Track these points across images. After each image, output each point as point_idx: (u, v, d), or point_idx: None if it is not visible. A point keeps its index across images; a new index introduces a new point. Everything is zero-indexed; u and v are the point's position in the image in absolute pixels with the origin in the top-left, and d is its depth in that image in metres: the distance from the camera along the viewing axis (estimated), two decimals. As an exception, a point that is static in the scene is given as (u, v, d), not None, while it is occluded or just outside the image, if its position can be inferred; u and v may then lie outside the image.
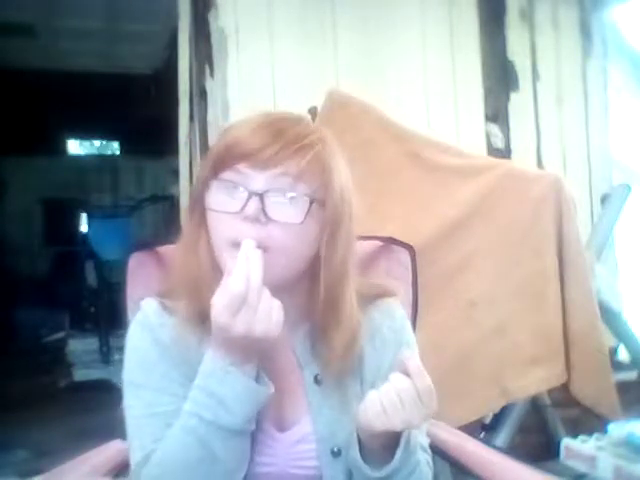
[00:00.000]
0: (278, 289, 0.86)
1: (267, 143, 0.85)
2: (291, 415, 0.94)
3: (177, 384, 0.89)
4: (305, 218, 0.86)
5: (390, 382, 0.82)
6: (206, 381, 0.84)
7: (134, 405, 0.91)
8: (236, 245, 0.84)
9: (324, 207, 0.88)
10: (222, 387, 0.83)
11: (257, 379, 0.85)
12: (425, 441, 0.98)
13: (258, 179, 0.85)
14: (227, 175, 0.87)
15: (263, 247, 0.84)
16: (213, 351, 0.84)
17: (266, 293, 0.81)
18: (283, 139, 0.85)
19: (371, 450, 0.87)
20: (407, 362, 0.82)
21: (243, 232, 0.84)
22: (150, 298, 0.97)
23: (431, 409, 0.82)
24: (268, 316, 0.80)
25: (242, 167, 0.86)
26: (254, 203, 0.84)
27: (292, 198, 0.86)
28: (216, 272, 0.88)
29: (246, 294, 0.79)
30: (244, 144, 0.86)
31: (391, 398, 0.81)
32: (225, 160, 0.87)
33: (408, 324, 1.04)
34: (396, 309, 1.02)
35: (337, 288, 0.91)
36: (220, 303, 0.80)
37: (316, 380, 0.94)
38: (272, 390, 0.86)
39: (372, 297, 1.00)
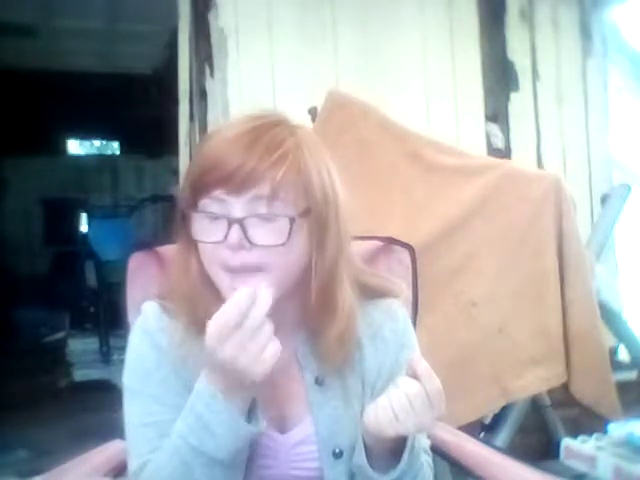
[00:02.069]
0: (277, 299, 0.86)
1: (239, 163, 0.82)
2: (292, 417, 0.94)
3: (173, 392, 0.89)
4: (288, 238, 0.84)
5: (399, 387, 0.82)
6: (195, 402, 0.83)
7: (131, 412, 0.92)
8: (227, 268, 0.84)
9: (308, 213, 0.86)
10: (208, 412, 0.81)
11: (250, 414, 0.83)
12: (426, 443, 0.99)
13: (236, 205, 0.84)
14: (205, 204, 0.86)
15: (255, 269, 0.84)
16: (206, 372, 0.82)
17: (267, 329, 0.79)
18: (255, 154, 0.83)
19: (377, 454, 0.87)
20: (416, 365, 0.82)
21: (230, 259, 0.84)
22: (151, 301, 0.97)
23: (441, 410, 0.82)
24: (258, 353, 0.78)
25: (219, 193, 0.84)
26: (235, 231, 0.83)
27: (272, 220, 0.84)
28: (209, 288, 0.88)
29: (242, 323, 0.77)
30: (217, 168, 0.84)
31: (402, 403, 0.81)
32: (202, 187, 0.85)
33: (410, 326, 1.03)
34: (398, 310, 1.02)
35: (329, 288, 0.90)
36: (213, 325, 0.78)
37: (317, 381, 0.94)
38: (261, 430, 0.84)
39: (374, 293, 1.00)
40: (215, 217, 0.85)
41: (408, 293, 1.30)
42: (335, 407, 0.93)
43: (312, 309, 0.90)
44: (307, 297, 0.90)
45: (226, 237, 0.83)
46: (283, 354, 0.93)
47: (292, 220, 0.84)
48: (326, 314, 0.90)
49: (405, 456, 0.86)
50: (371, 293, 0.99)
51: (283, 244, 0.84)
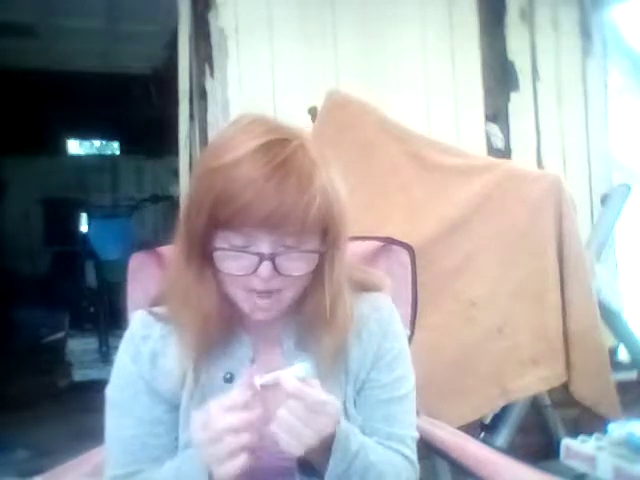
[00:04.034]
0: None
1: (273, 207, 0.81)
2: None
3: (142, 407, 0.93)
4: (314, 267, 0.89)
5: (282, 408, 0.80)
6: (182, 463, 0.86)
7: (108, 423, 0.95)
8: (251, 291, 0.87)
9: (327, 236, 0.89)
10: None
11: None
12: (407, 433, 0.98)
13: (264, 240, 0.84)
14: (228, 236, 0.85)
15: (274, 291, 0.88)
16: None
17: (241, 438, 0.78)
18: (288, 196, 0.82)
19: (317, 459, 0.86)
20: (285, 385, 0.80)
21: (256, 285, 0.86)
22: (140, 310, 1.00)
23: (336, 410, 0.82)
24: (223, 456, 0.78)
25: (247, 230, 0.84)
26: (266, 266, 0.84)
27: (302, 254, 0.87)
28: (224, 302, 0.91)
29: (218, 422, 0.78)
30: (248, 210, 0.82)
31: (289, 422, 0.79)
32: (227, 222, 0.84)
33: (396, 316, 1.04)
34: (383, 302, 1.03)
35: (332, 301, 0.92)
36: (201, 413, 0.80)
37: None
38: None
39: (361, 287, 1.01)
40: (242, 252, 0.85)
41: (407, 293, 1.30)
42: None
43: (309, 319, 0.93)
44: (304, 303, 0.93)
45: (256, 270, 0.85)
46: (268, 342, 0.96)
47: (320, 254, 0.88)
48: (325, 320, 0.92)
49: (336, 454, 0.84)
50: (357, 287, 1.00)
51: (309, 272, 0.88)
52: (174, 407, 0.94)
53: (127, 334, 0.97)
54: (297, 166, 0.84)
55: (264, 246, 0.85)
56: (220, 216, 0.84)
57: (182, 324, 0.92)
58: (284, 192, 0.82)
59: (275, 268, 0.85)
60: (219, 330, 0.92)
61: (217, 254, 0.86)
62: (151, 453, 0.92)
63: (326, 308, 0.91)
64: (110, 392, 0.96)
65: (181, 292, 0.91)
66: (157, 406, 0.93)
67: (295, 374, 0.80)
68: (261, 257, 0.84)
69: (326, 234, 0.89)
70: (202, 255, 0.88)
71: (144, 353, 0.94)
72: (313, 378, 0.81)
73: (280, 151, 0.84)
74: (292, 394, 0.79)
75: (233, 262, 0.86)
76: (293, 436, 0.79)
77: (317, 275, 0.91)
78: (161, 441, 0.93)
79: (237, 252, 0.85)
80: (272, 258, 0.84)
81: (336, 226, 0.89)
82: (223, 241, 0.86)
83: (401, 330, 1.04)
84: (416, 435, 1.00)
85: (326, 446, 0.83)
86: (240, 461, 0.77)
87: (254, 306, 0.89)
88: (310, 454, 0.83)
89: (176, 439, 0.93)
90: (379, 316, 1.01)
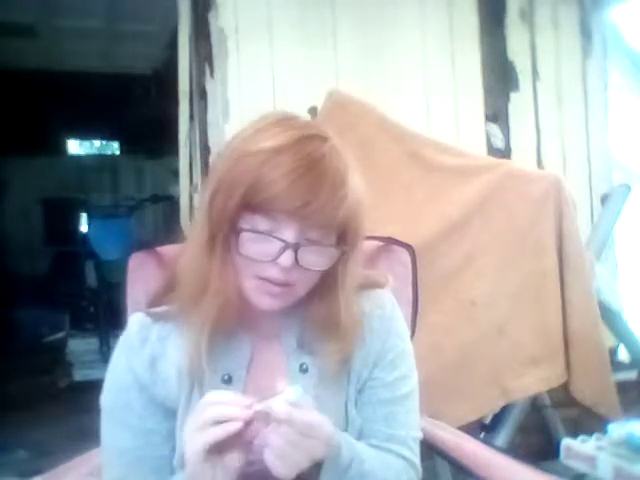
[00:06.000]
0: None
1: (306, 201, 0.82)
2: None
3: (137, 416, 0.91)
4: (333, 264, 0.89)
5: (273, 432, 0.78)
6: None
7: (102, 432, 0.94)
8: (264, 279, 0.86)
9: (346, 235, 0.89)
10: None
11: None
12: (409, 434, 0.98)
13: (291, 228, 0.84)
14: (257, 221, 0.85)
15: (289, 283, 0.87)
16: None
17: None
18: (322, 193, 0.83)
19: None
20: (275, 412, 0.78)
21: (274, 275, 0.86)
22: (137, 312, 0.98)
23: (327, 432, 0.80)
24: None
25: (277, 214, 0.84)
26: (289, 255, 0.84)
27: (324, 249, 0.87)
28: (240, 294, 0.89)
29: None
30: (281, 200, 0.83)
31: (280, 447, 0.78)
32: (257, 207, 0.84)
33: (399, 314, 1.04)
34: (386, 299, 1.03)
35: (347, 301, 0.92)
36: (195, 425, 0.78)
37: (301, 369, 0.95)
38: None
39: (363, 287, 1.01)
40: (268, 236, 0.85)
41: (408, 293, 1.30)
42: (318, 397, 0.91)
43: (318, 320, 0.93)
44: (312, 303, 0.93)
45: (278, 257, 0.84)
46: (268, 340, 0.96)
47: (343, 251, 0.89)
48: (332, 328, 0.92)
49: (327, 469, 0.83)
50: (359, 285, 0.99)
51: (326, 268, 0.89)
52: (171, 413, 0.92)
53: (123, 339, 0.95)
54: (334, 164, 0.86)
55: (289, 235, 0.84)
56: (253, 199, 0.84)
57: (198, 311, 0.89)
58: (320, 186, 0.83)
59: (296, 259, 0.85)
60: (235, 317, 0.90)
61: (242, 235, 0.85)
62: (149, 463, 0.91)
63: (337, 310, 0.91)
64: (104, 400, 0.94)
65: (201, 276, 0.89)
66: (152, 415, 0.92)
67: (287, 399, 0.78)
68: (286, 245, 0.84)
69: (346, 233, 0.89)
70: (225, 238, 0.88)
71: (143, 358, 0.92)
72: (305, 400, 0.79)
73: (319, 146, 0.86)
74: (283, 420, 0.77)
75: (255, 246, 0.85)
76: (284, 461, 0.77)
77: (329, 275, 0.90)
78: (158, 451, 0.91)
79: (263, 235, 0.85)
80: (296, 248, 0.84)
81: (357, 226, 0.90)
82: (248, 224, 0.85)
83: (404, 327, 1.04)
84: (419, 435, 1.00)
85: (316, 461, 0.82)
86: (209, 437, 0.76)
87: (265, 293, 0.88)
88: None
89: (173, 448, 0.91)
90: (382, 313, 1.00)
